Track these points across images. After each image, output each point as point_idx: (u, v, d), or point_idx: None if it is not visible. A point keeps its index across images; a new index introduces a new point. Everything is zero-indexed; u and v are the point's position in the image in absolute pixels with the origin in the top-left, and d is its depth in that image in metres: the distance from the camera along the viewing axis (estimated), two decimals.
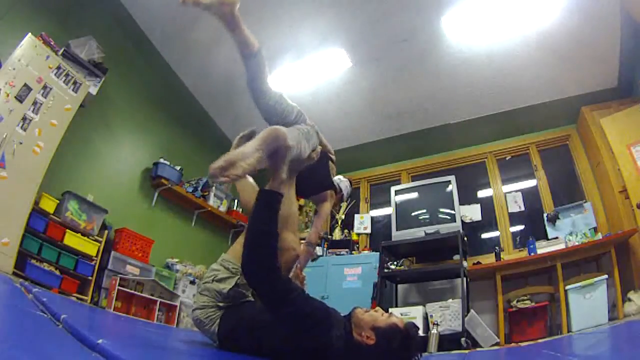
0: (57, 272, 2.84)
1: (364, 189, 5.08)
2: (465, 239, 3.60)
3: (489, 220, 4.16)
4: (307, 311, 1.19)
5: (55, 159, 2.90)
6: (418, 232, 3.80)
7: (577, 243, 3.28)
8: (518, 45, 3.51)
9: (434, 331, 2.94)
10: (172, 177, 4.11)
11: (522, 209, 4.02)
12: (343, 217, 4.78)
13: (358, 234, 4.66)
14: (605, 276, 2.87)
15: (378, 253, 3.76)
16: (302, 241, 1.91)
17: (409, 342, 1.19)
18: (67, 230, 2.95)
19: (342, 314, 1.36)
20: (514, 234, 4.02)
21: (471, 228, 4.08)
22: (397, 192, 4.21)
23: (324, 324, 1.18)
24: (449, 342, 2.94)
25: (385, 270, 3.63)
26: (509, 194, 4.15)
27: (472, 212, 4.15)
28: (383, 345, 1.18)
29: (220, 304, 1.41)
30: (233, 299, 1.42)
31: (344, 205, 4.82)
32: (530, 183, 4.19)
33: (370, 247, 4.51)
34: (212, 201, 4.59)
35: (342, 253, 4.26)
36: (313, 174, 1.76)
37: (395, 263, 3.90)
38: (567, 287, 2.96)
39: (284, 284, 1.20)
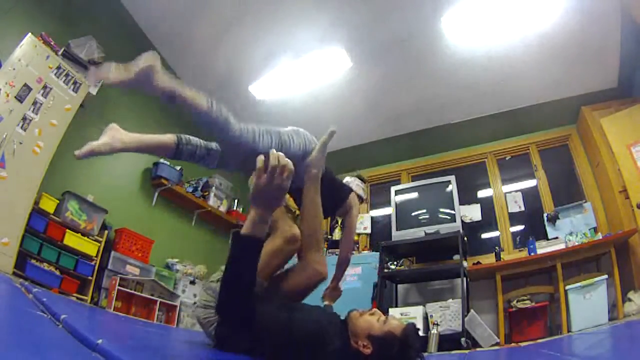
0: (57, 272, 2.84)
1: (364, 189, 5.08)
2: (465, 239, 3.59)
3: (489, 220, 4.16)
4: (296, 340, 1.12)
5: (55, 159, 2.90)
6: (418, 232, 3.80)
7: (577, 243, 3.28)
8: (518, 45, 3.51)
9: (434, 331, 2.94)
10: (172, 177, 4.11)
11: (522, 209, 4.02)
12: None
13: (358, 234, 4.66)
14: (605, 276, 2.88)
15: (378, 253, 3.76)
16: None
17: (408, 348, 1.15)
18: (67, 230, 2.95)
19: (340, 317, 1.33)
20: (514, 234, 4.02)
21: (471, 228, 4.08)
22: (397, 192, 4.20)
23: (319, 346, 1.12)
24: (449, 342, 2.94)
25: (385, 270, 3.62)
26: (509, 194, 4.15)
27: (472, 212, 4.15)
28: (380, 355, 1.14)
29: None
30: None
31: None
32: (530, 183, 4.19)
33: (370, 247, 4.51)
34: (212, 201, 4.59)
35: None
36: (327, 195, 1.70)
37: (395, 263, 3.90)
38: (567, 287, 2.96)
39: (258, 329, 1.11)
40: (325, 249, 4.41)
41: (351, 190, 2.02)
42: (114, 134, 1.48)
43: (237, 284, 1.03)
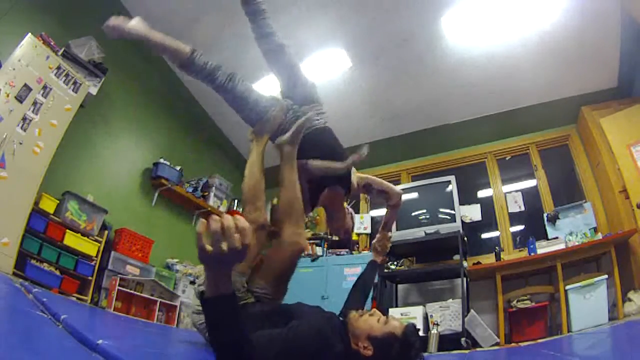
0: (57, 272, 2.83)
1: None
2: (465, 239, 3.59)
3: (489, 220, 4.15)
4: (300, 353, 1.06)
5: (55, 159, 2.90)
6: (418, 232, 3.80)
7: (577, 243, 3.28)
8: (518, 45, 3.51)
9: (434, 331, 2.94)
10: (172, 177, 4.11)
11: (522, 209, 4.02)
12: None
13: (358, 234, 4.66)
14: (605, 276, 2.87)
15: None
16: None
17: (409, 349, 1.15)
18: (67, 230, 2.95)
19: (339, 317, 1.33)
20: (514, 234, 4.02)
21: (471, 228, 4.08)
22: None
23: (322, 355, 1.10)
24: (449, 342, 2.94)
25: (385, 270, 3.62)
26: (509, 194, 4.15)
27: (472, 212, 4.15)
28: (381, 356, 1.14)
29: None
30: None
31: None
32: (530, 183, 4.19)
33: (370, 247, 4.50)
34: (212, 201, 4.59)
35: (342, 253, 4.26)
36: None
37: (395, 263, 3.90)
38: (567, 287, 2.96)
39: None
40: (325, 249, 4.41)
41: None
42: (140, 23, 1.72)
43: (227, 345, 0.86)
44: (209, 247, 0.68)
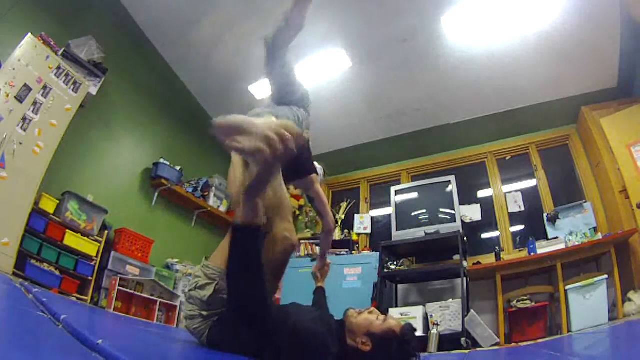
0: (57, 272, 2.84)
1: (364, 189, 5.08)
2: (465, 239, 3.59)
3: (489, 220, 4.16)
4: (298, 344, 1.10)
5: (55, 159, 2.90)
6: (418, 232, 3.80)
7: (577, 243, 3.28)
8: (518, 45, 3.51)
9: (434, 331, 2.94)
10: (172, 177, 4.11)
11: (522, 209, 4.02)
12: (343, 217, 4.78)
13: (358, 234, 4.66)
14: (605, 276, 2.87)
15: (378, 253, 3.75)
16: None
17: (406, 347, 1.17)
18: (67, 230, 2.96)
19: (336, 318, 1.33)
20: (514, 234, 4.02)
21: (471, 228, 4.08)
22: (397, 192, 4.20)
23: (320, 353, 1.11)
24: (449, 342, 2.94)
25: (385, 270, 3.62)
26: (509, 194, 4.15)
27: (472, 212, 4.15)
28: (380, 352, 1.16)
29: (205, 313, 1.37)
30: (215, 305, 1.38)
31: (343, 205, 4.82)
32: (530, 183, 4.19)
33: (370, 247, 4.51)
34: (212, 201, 4.59)
35: (342, 253, 4.26)
36: (297, 160, 1.74)
37: (395, 263, 3.90)
38: (567, 287, 2.96)
39: (271, 322, 1.10)
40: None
41: (315, 170, 1.97)
42: None
43: (246, 277, 0.98)
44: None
